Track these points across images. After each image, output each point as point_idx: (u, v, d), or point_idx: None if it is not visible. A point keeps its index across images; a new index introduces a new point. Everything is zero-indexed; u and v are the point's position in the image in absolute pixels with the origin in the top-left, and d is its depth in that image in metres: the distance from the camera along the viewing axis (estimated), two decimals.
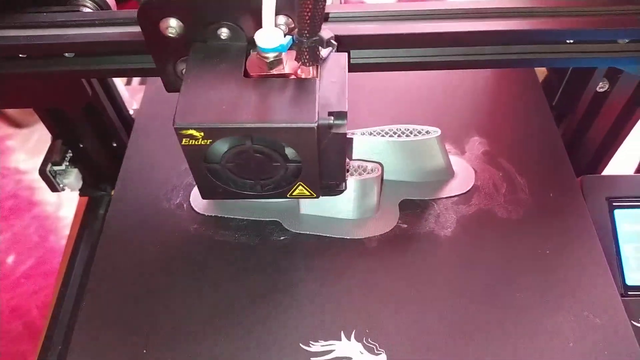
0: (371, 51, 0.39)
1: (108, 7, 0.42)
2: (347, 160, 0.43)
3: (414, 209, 0.46)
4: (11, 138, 1.31)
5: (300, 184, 0.38)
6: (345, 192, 0.43)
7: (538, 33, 0.38)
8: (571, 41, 0.39)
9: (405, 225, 0.45)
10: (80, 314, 0.41)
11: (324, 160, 0.36)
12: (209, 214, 0.46)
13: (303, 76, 0.34)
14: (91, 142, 0.54)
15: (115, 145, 0.56)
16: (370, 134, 0.45)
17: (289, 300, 0.41)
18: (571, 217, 0.45)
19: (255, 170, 0.36)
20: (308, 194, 0.39)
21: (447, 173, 0.47)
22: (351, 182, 0.43)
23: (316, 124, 0.32)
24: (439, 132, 0.44)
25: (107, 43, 0.38)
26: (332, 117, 0.33)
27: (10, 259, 1.09)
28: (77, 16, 0.39)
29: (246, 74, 0.34)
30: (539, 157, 0.49)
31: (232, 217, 0.46)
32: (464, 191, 0.47)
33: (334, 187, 0.40)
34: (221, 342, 0.39)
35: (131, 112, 0.58)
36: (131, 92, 0.61)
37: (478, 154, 0.49)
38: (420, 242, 0.44)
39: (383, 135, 0.44)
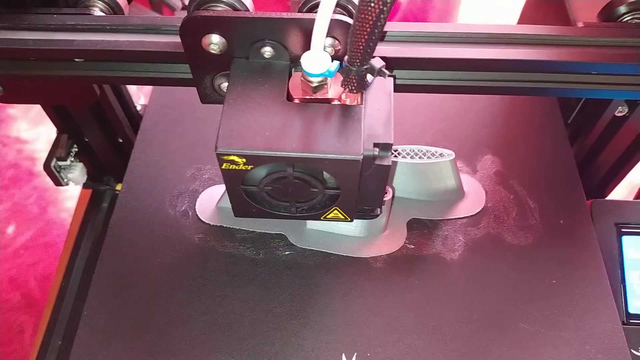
0: (409, 72, 0.38)
1: (120, 9, 0.41)
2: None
3: (422, 229, 0.45)
4: (13, 106, 1.29)
5: (336, 209, 0.37)
6: None
7: (565, 64, 0.37)
8: (595, 72, 0.38)
9: (413, 246, 0.45)
10: (81, 323, 0.41)
11: (363, 187, 0.35)
12: (214, 224, 0.46)
13: (347, 102, 0.33)
14: (97, 137, 0.53)
15: (121, 141, 0.55)
16: None
17: (290, 319, 0.41)
18: (580, 246, 0.45)
19: (293, 194, 0.36)
20: (342, 217, 0.38)
21: (458, 194, 0.46)
22: None
23: (361, 157, 0.31)
24: (453, 155, 0.43)
25: (118, 52, 0.37)
26: (378, 149, 0.32)
27: (10, 229, 1.09)
28: (88, 20, 0.38)
29: (289, 96, 0.34)
30: (551, 180, 0.48)
31: (237, 228, 0.45)
32: (474, 213, 0.46)
33: (368, 211, 0.40)
34: (219, 358, 0.39)
35: (138, 107, 0.57)
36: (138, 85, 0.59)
37: (490, 173, 0.48)
38: (427, 265, 0.44)
39: (396, 156, 0.43)
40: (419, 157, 0.43)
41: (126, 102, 0.54)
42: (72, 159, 0.55)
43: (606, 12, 0.40)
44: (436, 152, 0.43)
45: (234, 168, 0.33)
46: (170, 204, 0.47)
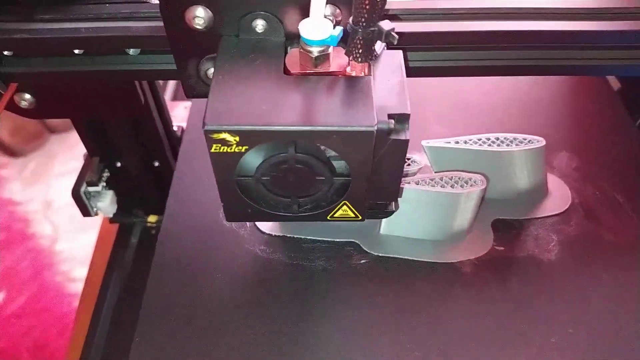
0: (428, 53, 0.34)
1: None
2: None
3: (508, 229, 0.41)
4: (5, 167, 1.23)
5: (344, 203, 0.32)
6: (438, 207, 0.38)
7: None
8: None
9: (502, 248, 0.40)
10: (132, 350, 0.34)
11: (377, 174, 0.31)
12: (276, 234, 0.40)
13: (353, 74, 0.29)
14: (132, 159, 0.48)
15: (157, 165, 0.50)
16: (465, 142, 0.40)
17: (384, 333, 0.35)
18: None
19: (295, 185, 0.31)
20: (352, 215, 0.33)
21: (542, 190, 0.42)
22: (448, 196, 0.37)
23: (375, 128, 0.27)
24: (543, 142, 0.40)
25: None
26: (393, 121, 0.28)
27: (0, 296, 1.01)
28: (145, 8, 0.34)
29: (286, 72, 0.29)
30: (633, 175, 0.45)
31: (302, 237, 0.40)
32: (562, 210, 0.42)
33: (382, 207, 0.35)
34: None
35: (175, 128, 0.53)
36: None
37: (570, 170, 0.45)
38: (523, 267, 0.39)
39: (480, 145, 0.39)
40: (506, 145, 0.39)
41: (166, 118, 0.49)
42: (104, 185, 0.50)
43: None
44: (524, 139, 0.39)
45: (225, 151, 0.28)
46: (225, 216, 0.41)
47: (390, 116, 0.28)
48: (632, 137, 0.48)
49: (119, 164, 0.49)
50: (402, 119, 0.28)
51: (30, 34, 0.32)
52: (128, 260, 0.50)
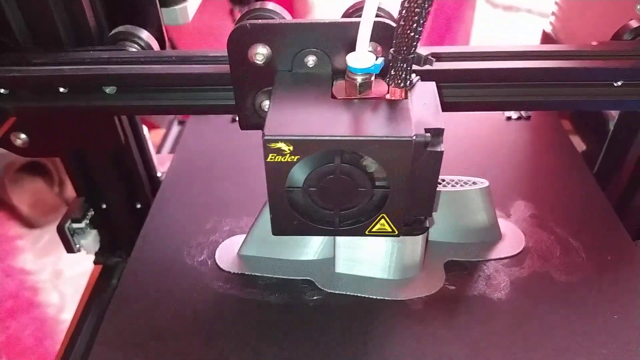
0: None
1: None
2: None
3: (461, 270, 0.42)
4: (21, 238, 1.28)
5: (383, 217, 0.34)
6: (385, 245, 0.40)
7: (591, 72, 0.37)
8: (619, 83, 0.38)
9: (453, 287, 0.40)
10: None
11: (413, 188, 0.33)
12: (235, 272, 0.42)
13: (392, 99, 0.33)
14: (115, 200, 0.51)
15: (139, 207, 0.53)
16: None
17: None
18: (635, 278, 0.41)
19: (338, 196, 0.34)
20: (389, 230, 0.35)
21: (495, 233, 0.44)
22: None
23: (414, 138, 0.30)
24: (487, 183, 0.41)
25: (154, 75, 0.37)
26: (429, 134, 0.31)
27: None
28: (123, 54, 0.39)
29: (333, 98, 0.33)
30: (589, 221, 0.46)
31: (260, 274, 0.42)
32: (515, 253, 0.43)
33: (417, 223, 0.37)
34: None
35: (159, 174, 0.56)
36: (160, 160, 0.59)
37: (525, 216, 0.46)
38: (472, 306, 0.39)
39: None
40: (452, 186, 0.41)
41: (149, 162, 0.53)
42: (87, 223, 0.53)
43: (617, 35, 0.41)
44: (469, 180, 0.41)
45: (279, 160, 0.31)
46: (188, 254, 0.43)
47: (426, 130, 0.31)
48: (590, 185, 0.49)
49: (104, 206, 0.52)
50: (437, 132, 0.31)
51: (22, 73, 0.37)
52: (106, 300, 0.52)
